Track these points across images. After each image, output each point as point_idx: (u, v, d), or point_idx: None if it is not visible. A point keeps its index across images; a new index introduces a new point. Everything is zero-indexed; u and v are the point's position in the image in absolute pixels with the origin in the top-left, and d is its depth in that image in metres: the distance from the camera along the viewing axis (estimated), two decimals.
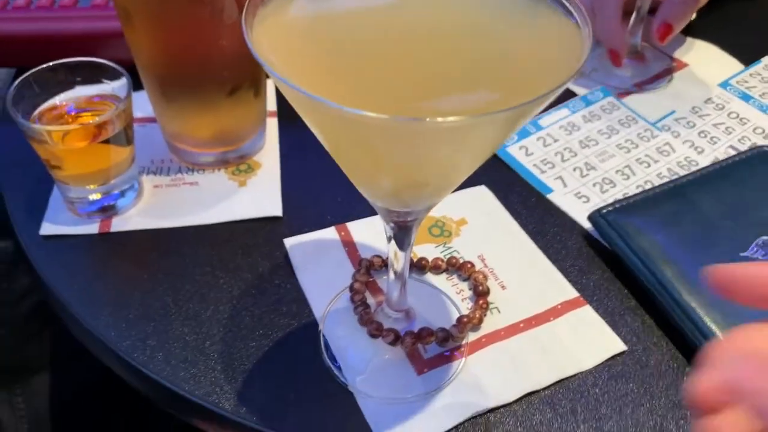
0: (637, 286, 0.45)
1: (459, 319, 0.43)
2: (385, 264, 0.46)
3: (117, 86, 0.48)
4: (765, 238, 0.46)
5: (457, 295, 0.46)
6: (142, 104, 0.53)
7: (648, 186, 0.53)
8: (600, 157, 0.56)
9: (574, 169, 0.55)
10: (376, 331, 0.42)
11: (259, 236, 0.49)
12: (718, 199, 0.49)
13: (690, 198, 0.49)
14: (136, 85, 0.48)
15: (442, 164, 0.31)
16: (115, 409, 0.68)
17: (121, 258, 0.48)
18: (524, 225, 0.50)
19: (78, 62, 0.48)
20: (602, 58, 0.64)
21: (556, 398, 0.40)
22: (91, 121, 0.47)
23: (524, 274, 0.47)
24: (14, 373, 0.63)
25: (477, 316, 0.43)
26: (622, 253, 0.46)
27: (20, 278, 0.61)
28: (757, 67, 0.65)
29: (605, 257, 0.48)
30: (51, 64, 0.47)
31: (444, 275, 0.47)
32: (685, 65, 0.65)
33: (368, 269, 0.46)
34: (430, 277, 0.47)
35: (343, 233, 0.49)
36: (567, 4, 0.31)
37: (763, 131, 0.58)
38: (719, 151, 0.56)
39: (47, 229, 0.49)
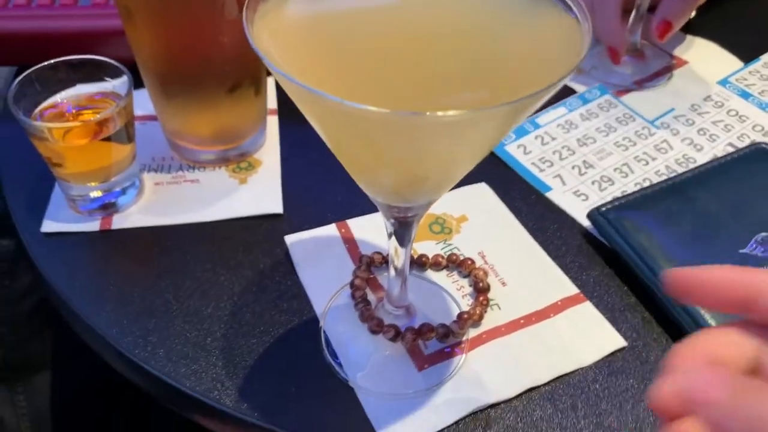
0: (637, 282, 0.46)
1: (459, 316, 0.43)
2: (385, 261, 0.47)
3: (118, 84, 0.48)
4: (764, 234, 0.46)
5: (457, 292, 0.46)
6: (143, 102, 0.53)
7: (646, 184, 0.53)
8: (598, 155, 0.56)
9: (573, 167, 0.55)
10: (376, 327, 0.42)
11: (259, 233, 0.49)
12: (717, 197, 0.49)
13: (689, 195, 0.49)
14: (137, 82, 0.48)
15: (442, 159, 0.31)
16: (116, 406, 0.68)
17: (122, 255, 0.48)
18: (524, 222, 0.50)
19: (79, 60, 0.48)
20: (602, 55, 0.65)
21: (557, 394, 0.40)
22: (92, 119, 0.47)
23: (524, 271, 0.47)
24: (16, 370, 0.63)
25: (477, 312, 0.43)
26: (622, 250, 0.46)
27: (22, 277, 0.61)
28: (757, 65, 0.65)
29: (605, 254, 0.48)
30: (52, 61, 0.48)
31: (444, 272, 0.47)
32: (685, 63, 0.65)
33: (369, 266, 0.46)
34: (430, 273, 0.47)
35: (343, 230, 0.49)
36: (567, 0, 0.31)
37: (762, 129, 0.58)
38: (718, 148, 0.56)
39: (48, 226, 0.49)
